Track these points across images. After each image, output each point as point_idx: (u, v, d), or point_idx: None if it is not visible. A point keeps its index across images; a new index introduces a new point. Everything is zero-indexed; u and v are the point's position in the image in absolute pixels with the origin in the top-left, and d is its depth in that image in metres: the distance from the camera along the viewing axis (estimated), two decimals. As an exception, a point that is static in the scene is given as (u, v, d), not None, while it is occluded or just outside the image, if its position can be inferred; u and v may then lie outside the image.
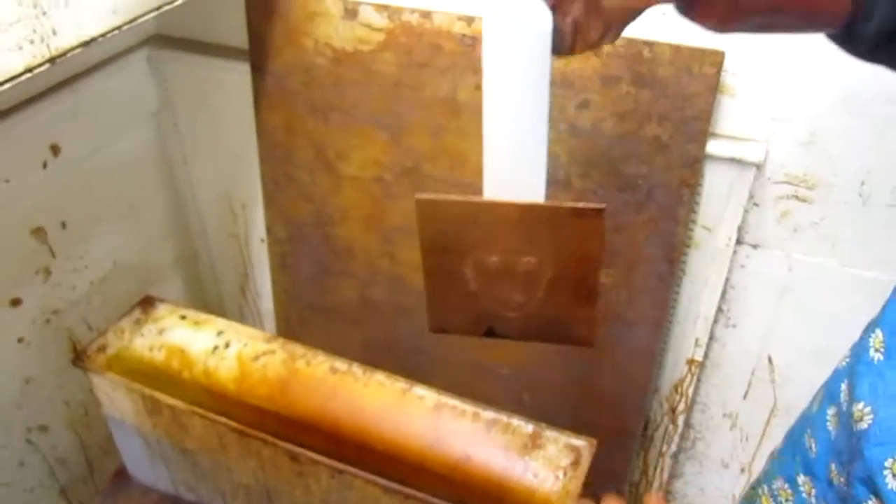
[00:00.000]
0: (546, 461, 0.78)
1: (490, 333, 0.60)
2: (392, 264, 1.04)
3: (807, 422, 0.60)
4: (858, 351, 0.52)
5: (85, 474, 1.17)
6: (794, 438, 0.62)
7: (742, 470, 1.09)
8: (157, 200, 1.23)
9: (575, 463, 0.77)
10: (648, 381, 0.98)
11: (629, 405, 1.00)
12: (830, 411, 0.55)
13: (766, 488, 0.64)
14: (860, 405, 0.49)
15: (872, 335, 0.51)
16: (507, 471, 0.78)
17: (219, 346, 0.91)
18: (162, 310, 0.94)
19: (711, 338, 0.97)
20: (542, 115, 0.47)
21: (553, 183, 0.88)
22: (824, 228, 0.85)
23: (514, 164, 0.49)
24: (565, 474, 0.77)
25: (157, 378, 0.90)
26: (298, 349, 0.89)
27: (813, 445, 0.57)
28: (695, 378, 1.00)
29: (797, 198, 0.84)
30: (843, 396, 0.53)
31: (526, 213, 0.51)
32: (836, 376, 0.57)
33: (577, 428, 0.79)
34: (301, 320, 1.18)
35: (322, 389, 0.86)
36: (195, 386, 0.90)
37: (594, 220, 0.51)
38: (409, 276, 1.04)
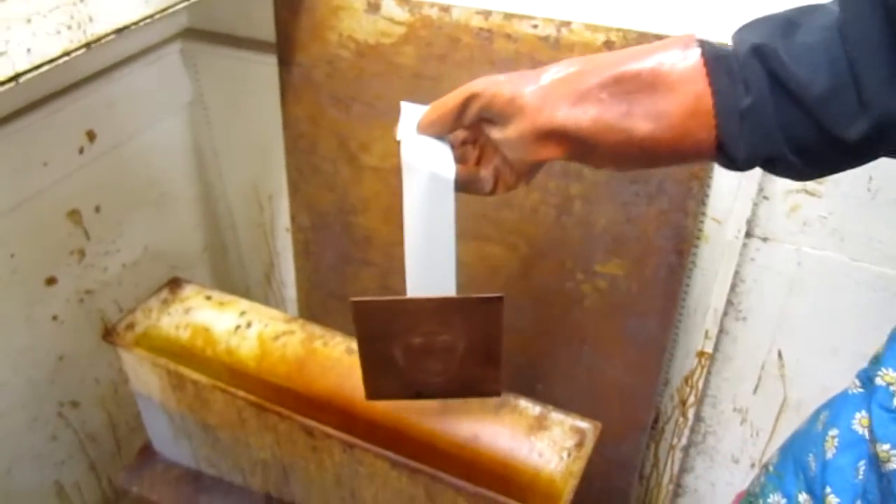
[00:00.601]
0: (551, 442, 0.80)
1: (418, 396, 0.72)
2: (410, 253, 1.07)
3: (809, 440, 0.59)
4: (871, 388, 0.52)
5: (113, 450, 1.21)
6: (794, 454, 0.61)
7: (752, 465, 1.09)
8: (188, 189, 1.27)
9: (579, 444, 0.79)
10: (659, 372, 0.99)
11: (639, 397, 1.02)
12: (832, 432, 0.55)
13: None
14: (885, 446, 0.48)
15: (885, 372, 0.50)
16: (513, 451, 0.81)
17: (241, 326, 0.94)
18: (188, 290, 0.98)
19: (721, 330, 0.98)
20: (449, 237, 0.59)
21: (566, 175, 0.91)
22: (833, 223, 0.86)
23: (430, 271, 0.62)
24: (569, 455, 0.79)
25: (181, 355, 0.94)
26: (317, 330, 0.92)
27: (813, 465, 0.56)
28: (705, 370, 1.01)
29: (806, 192, 0.85)
30: (863, 431, 0.52)
31: (442, 305, 0.63)
32: (846, 402, 0.56)
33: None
34: (323, 307, 1.21)
35: (338, 369, 0.89)
36: (218, 364, 0.94)
37: (496, 305, 0.63)
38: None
